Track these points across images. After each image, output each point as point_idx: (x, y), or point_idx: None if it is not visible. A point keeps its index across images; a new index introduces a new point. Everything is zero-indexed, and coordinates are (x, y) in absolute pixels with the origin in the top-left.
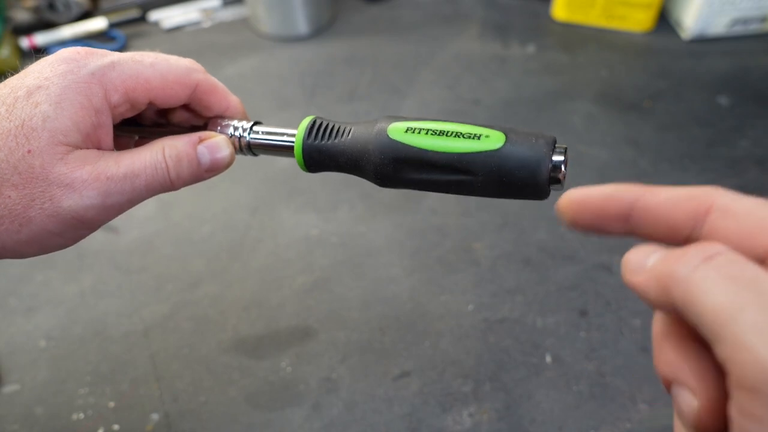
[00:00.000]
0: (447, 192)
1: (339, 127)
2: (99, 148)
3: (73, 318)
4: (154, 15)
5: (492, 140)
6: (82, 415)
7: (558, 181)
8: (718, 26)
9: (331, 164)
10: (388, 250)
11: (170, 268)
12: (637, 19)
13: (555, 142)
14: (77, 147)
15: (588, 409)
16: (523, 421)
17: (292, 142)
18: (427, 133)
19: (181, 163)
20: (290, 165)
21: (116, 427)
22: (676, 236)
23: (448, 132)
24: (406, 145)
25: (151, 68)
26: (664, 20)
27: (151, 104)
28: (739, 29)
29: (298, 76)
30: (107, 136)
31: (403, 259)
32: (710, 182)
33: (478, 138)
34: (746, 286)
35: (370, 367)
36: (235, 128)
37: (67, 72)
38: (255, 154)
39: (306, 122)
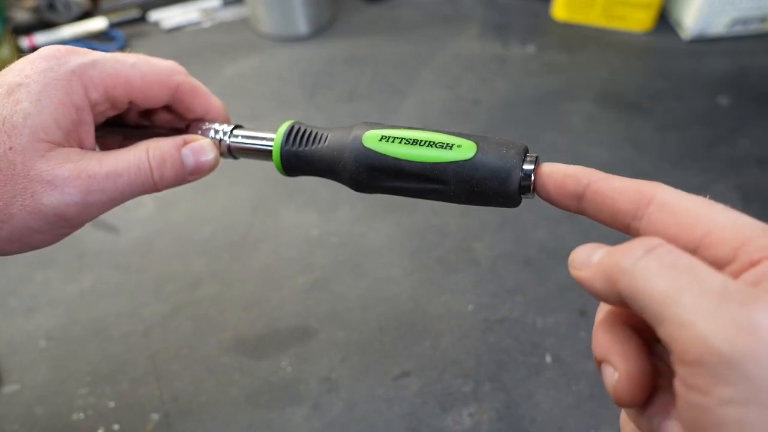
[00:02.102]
0: (421, 198)
1: (316, 133)
2: (81, 147)
3: (73, 318)
4: (154, 15)
5: (464, 150)
6: (82, 415)
7: (529, 190)
8: (718, 26)
9: (309, 169)
10: (388, 250)
11: (170, 268)
12: (637, 19)
13: (526, 151)
14: (59, 144)
15: (588, 409)
16: (523, 421)
17: (271, 146)
18: (400, 142)
19: (165, 164)
20: None
21: (116, 427)
22: (619, 222)
23: (421, 141)
24: (380, 153)
25: (132, 68)
26: (664, 20)
27: (132, 104)
28: (739, 29)
29: (298, 76)
30: (88, 134)
31: (403, 259)
32: (710, 182)
33: (450, 148)
34: (684, 273)
35: (370, 367)
36: (216, 131)
37: (47, 69)
38: (235, 158)
39: (284, 127)
